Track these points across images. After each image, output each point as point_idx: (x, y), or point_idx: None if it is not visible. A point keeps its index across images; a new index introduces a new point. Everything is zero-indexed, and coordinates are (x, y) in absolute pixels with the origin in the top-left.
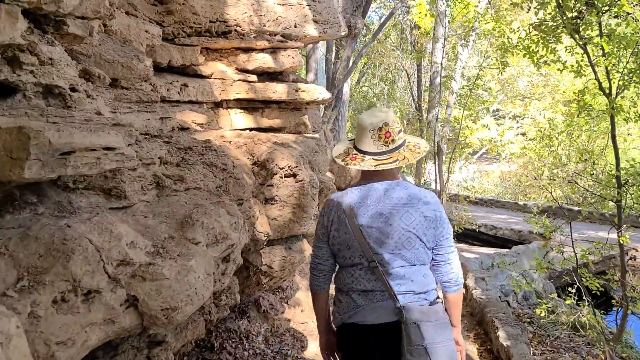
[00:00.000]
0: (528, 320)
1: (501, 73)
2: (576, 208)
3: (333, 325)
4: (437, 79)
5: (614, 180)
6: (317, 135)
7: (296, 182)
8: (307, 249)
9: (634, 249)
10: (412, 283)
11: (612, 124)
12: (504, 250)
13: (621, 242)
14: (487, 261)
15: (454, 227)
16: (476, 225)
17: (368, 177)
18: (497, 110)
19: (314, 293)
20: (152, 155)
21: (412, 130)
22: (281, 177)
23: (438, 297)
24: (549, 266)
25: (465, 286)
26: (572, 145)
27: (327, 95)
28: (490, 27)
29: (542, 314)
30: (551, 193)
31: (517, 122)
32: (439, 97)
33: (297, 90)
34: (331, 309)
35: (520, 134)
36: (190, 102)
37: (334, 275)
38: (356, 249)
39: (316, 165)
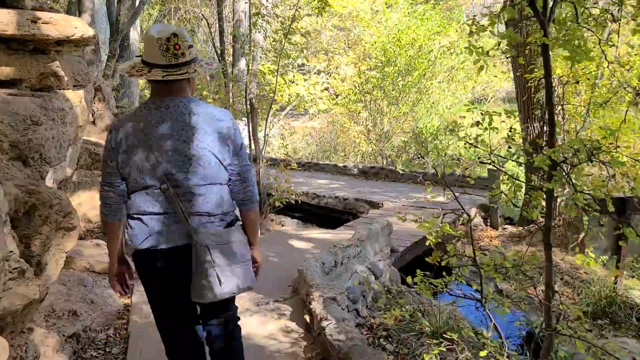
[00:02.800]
0: (384, 333)
1: (321, 14)
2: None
3: (126, 256)
4: (241, 27)
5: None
6: (53, 94)
7: None
8: (2, 346)
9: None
10: (208, 204)
11: (546, 59)
12: (347, 239)
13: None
14: (329, 260)
15: (274, 203)
16: (297, 195)
17: (158, 94)
18: (302, 65)
19: (106, 223)
20: None
21: (216, 86)
22: None
23: (237, 219)
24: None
25: (311, 312)
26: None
27: (89, 31)
28: None
29: (391, 322)
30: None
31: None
32: (245, 48)
33: (35, 22)
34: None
35: (324, 89)
36: None
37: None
38: (148, 170)
39: (34, 150)
